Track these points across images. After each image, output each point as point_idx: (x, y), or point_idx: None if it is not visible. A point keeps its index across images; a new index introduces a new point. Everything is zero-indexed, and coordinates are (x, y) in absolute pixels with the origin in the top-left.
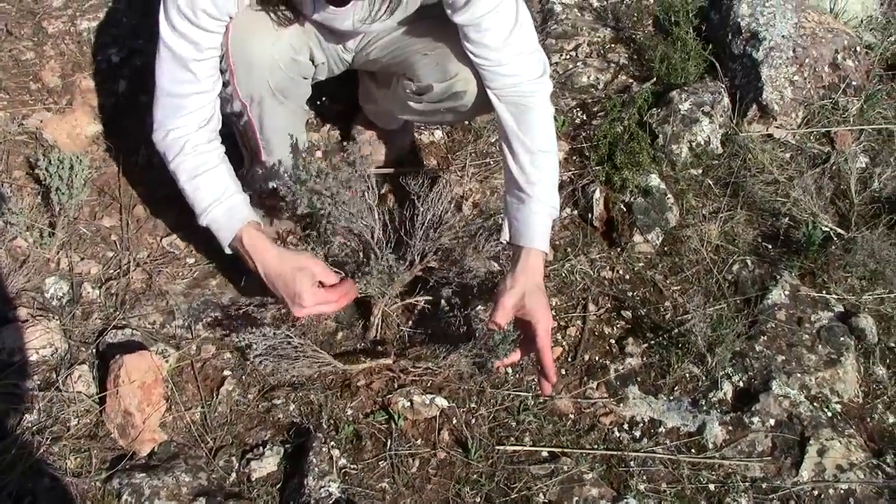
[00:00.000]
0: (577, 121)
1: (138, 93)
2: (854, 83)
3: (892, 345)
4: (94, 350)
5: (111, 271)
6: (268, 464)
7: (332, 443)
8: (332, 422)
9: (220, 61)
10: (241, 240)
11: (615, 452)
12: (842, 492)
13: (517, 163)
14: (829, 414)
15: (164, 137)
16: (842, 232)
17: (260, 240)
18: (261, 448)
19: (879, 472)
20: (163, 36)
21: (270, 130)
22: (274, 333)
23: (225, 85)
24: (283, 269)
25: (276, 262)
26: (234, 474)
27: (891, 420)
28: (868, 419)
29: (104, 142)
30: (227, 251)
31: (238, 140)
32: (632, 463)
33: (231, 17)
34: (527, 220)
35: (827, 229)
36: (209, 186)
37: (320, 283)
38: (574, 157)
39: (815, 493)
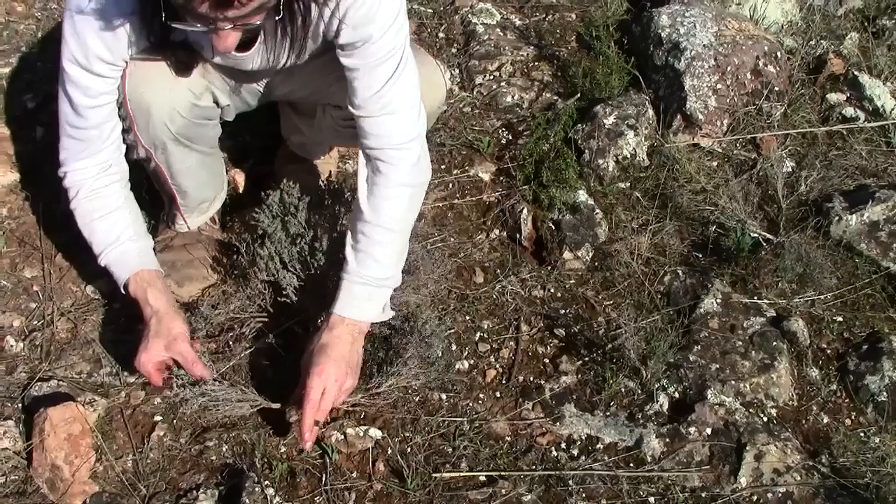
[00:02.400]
0: (503, 141)
1: (56, 139)
2: (777, 88)
3: (824, 346)
4: (19, 404)
5: (35, 322)
6: None
7: (266, 482)
8: (266, 460)
9: (119, 108)
10: (127, 288)
11: (553, 472)
12: (780, 495)
13: (351, 227)
14: (765, 419)
15: (64, 177)
16: (770, 237)
17: (142, 291)
18: (195, 492)
19: (815, 473)
20: (60, 80)
21: (181, 175)
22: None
23: (126, 132)
24: (153, 330)
25: (153, 322)
26: None
27: (825, 420)
28: (803, 421)
29: (22, 191)
30: (122, 286)
31: (154, 183)
32: (570, 482)
33: (126, 62)
34: (339, 286)
35: (756, 235)
36: (102, 233)
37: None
38: (501, 178)
39: (754, 498)
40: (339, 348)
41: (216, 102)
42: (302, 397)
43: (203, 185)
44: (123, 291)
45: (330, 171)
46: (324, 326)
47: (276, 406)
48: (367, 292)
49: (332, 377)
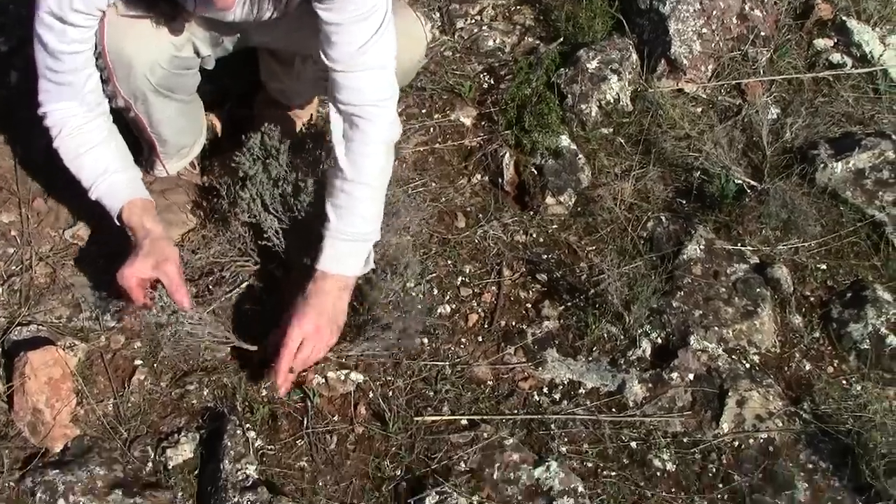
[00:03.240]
0: (485, 85)
1: (32, 83)
2: (763, 33)
3: (808, 293)
4: None
5: (13, 267)
6: (184, 451)
7: (248, 425)
8: (247, 404)
9: (98, 59)
10: (121, 218)
11: (535, 416)
12: (761, 441)
13: (329, 183)
14: (748, 365)
15: (45, 117)
16: (755, 184)
17: (137, 218)
18: (176, 435)
19: (797, 420)
20: (35, 24)
21: (161, 124)
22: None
23: (105, 82)
24: (146, 249)
25: (146, 242)
26: (150, 464)
27: (807, 368)
28: (785, 368)
29: None
30: (115, 216)
31: (133, 130)
32: (552, 426)
33: (103, 12)
34: (323, 243)
35: (740, 182)
36: (90, 166)
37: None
38: (482, 123)
39: (736, 444)
40: (321, 301)
41: (196, 52)
42: (279, 345)
43: (182, 131)
44: (118, 222)
45: (311, 115)
46: (309, 282)
47: (254, 348)
48: (351, 248)
49: (311, 327)
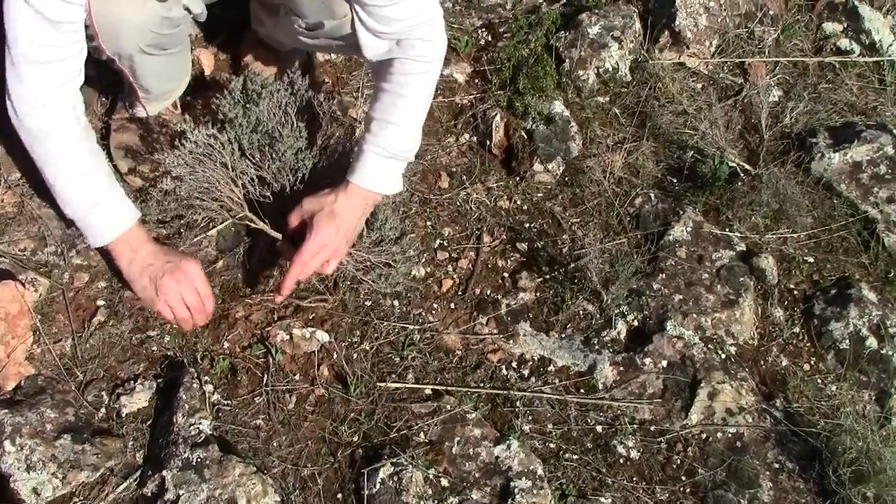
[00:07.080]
0: (482, 42)
1: None
2: (771, 12)
3: (792, 286)
4: None
5: None
6: (139, 399)
7: (206, 377)
8: (208, 355)
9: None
10: (133, 231)
11: (501, 392)
12: (729, 435)
13: (374, 97)
14: (723, 356)
15: (28, 114)
16: (749, 168)
17: (136, 240)
18: (132, 382)
19: (768, 417)
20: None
21: (146, 77)
22: None
23: (90, 38)
24: (172, 262)
25: (170, 258)
26: (103, 409)
27: (784, 363)
28: (762, 362)
29: None
30: (98, 246)
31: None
32: (518, 403)
33: None
34: (360, 156)
35: (734, 164)
36: (86, 189)
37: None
38: (476, 80)
39: (703, 436)
40: (349, 218)
41: (187, 9)
42: (292, 248)
43: (167, 80)
44: (105, 243)
45: (296, 62)
46: (339, 190)
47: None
48: (388, 164)
49: (331, 244)
